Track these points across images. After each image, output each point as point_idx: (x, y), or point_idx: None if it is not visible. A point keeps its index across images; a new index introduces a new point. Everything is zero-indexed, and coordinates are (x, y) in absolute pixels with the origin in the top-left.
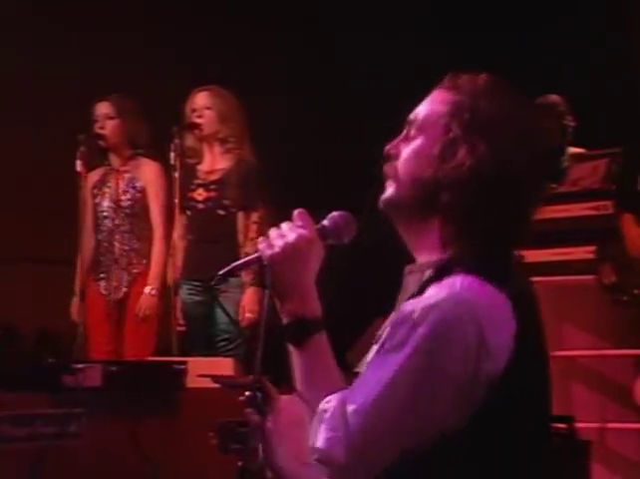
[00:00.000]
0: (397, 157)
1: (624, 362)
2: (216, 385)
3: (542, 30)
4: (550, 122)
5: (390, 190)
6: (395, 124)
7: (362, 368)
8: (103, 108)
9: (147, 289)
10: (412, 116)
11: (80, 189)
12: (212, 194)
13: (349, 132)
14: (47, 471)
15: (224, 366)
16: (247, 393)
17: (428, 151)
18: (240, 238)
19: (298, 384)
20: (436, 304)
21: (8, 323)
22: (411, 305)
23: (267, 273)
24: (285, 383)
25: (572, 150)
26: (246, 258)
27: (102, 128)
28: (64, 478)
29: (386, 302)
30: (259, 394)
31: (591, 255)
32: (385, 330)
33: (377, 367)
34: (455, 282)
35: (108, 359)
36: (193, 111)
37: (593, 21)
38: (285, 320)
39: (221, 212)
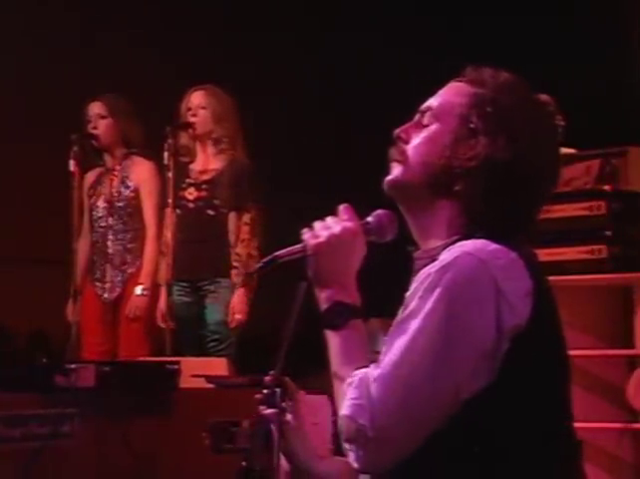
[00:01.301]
0: (406, 141)
1: (617, 362)
2: (210, 385)
3: (534, 29)
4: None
5: (396, 172)
6: (392, 124)
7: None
8: (95, 107)
9: (137, 290)
10: (425, 105)
11: (73, 189)
12: (203, 193)
13: (344, 133)
14: (40, 471)
15: (218, 366)
16: (265, 391)
17: (442, 138)
18: (231, 238)
19: (333, 369)
20: (448, 264)
21: (1, 324)
22: (425, 272)
23: (310, 263)
24: (301, 379)
25: (564, 150)
26: (290, 248)
27: (94, 127)
28: (57, 478)
29: (381, 302)
30: (278, 391)
31: (584, 255)
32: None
33: (397, 336)
34: (466, 244)
35: (101, 360)
36: (188, 109)
37: (585, 20)
38: (323, 306)
39: (211, 212)
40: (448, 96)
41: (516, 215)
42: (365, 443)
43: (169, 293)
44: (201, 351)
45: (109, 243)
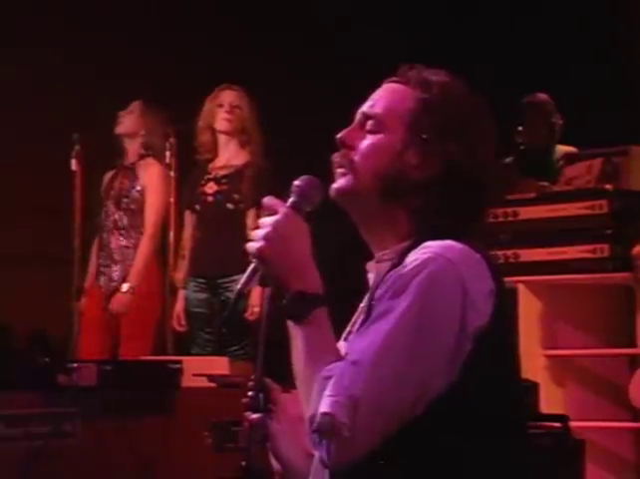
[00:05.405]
0: (351, 147)
1: (618, 361)
2: (212, 385)
3: (536, 28)
4: (538, 120)
5: (344, 181)
6: None
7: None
8: (132, 106)
9: (123, 288)
10: (367, 107)
11: (75, 188)
12: (223, 187)
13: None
14: (41, 470)
15: (220, 365)
16: (249, 394)
17: (391, 148)
18: (250, 234)
19: (297, 363)
20: (419, 266)
21: (2, 323)
22: (395, 274)
23: (265, 270)
24: (286, 382)
25: (566, 149)
26: (245, 274)
27: (120, 122)
28: (58, 477)
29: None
30: (261, 395)
31: (586, 254)
32: (360, 315)
33: (368, 335)
34: (433, 245)
35: (102, 358)
36: (220, 106)
37: (587, 20)
38: (285, 299)
39: (230, 205)
40: (392, 102)
41: (472, 217)
42: (340, 441)
43: (173, 293)
44: (214, 350)
45: (112, 239)
